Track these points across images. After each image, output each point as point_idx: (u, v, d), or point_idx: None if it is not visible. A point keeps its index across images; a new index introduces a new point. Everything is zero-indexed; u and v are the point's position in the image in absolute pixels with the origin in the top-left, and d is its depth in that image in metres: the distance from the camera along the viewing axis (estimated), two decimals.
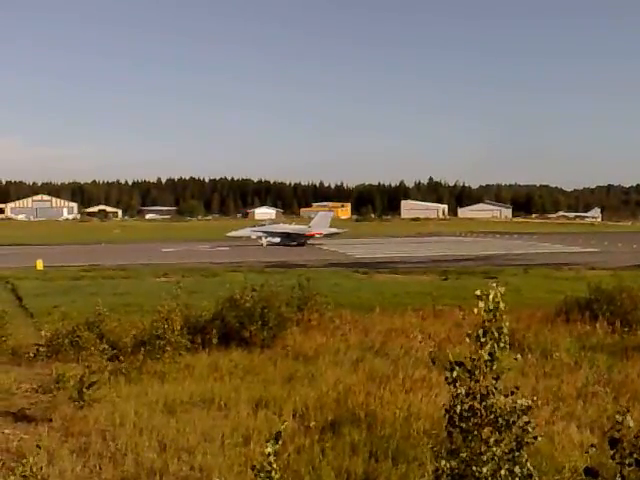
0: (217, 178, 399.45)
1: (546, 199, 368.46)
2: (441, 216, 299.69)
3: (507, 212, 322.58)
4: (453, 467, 7.73)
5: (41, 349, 23.26)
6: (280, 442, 7.10)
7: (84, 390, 17.02)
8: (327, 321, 27.92)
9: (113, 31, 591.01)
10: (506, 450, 7.61)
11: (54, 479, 12.54)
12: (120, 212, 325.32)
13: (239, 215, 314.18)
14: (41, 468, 10.89)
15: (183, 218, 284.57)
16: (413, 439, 14.08)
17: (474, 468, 7.55)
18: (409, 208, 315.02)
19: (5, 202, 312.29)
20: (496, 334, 7.76)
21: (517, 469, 7.50)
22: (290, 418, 15.87)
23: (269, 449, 7.04)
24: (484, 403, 7.75)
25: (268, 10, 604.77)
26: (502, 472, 7.48)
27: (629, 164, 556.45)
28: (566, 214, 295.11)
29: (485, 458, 7.59)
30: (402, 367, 20.47)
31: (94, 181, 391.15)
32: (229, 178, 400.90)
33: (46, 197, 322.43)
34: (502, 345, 7.75)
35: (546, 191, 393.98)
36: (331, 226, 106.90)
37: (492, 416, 7.71)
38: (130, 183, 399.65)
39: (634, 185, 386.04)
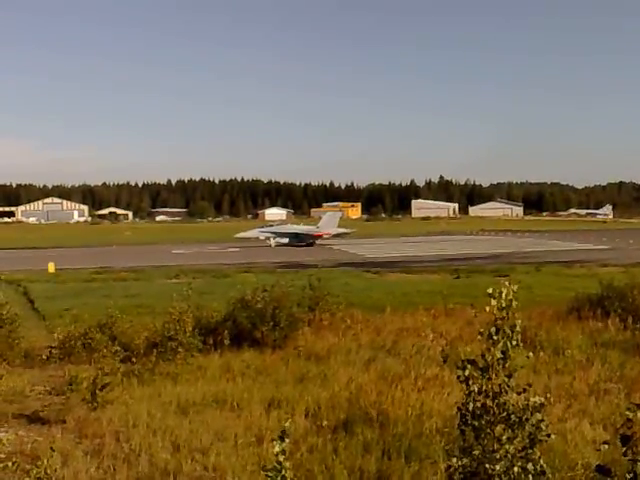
0: (227, 179, 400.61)
1: (557, 197, 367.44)
2: (452, 215, 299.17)
3: (518, 210, 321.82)
4: (465, 465, 7.75)
5: (54, 351, 23.35)
6: (287, 440, 7.11)
7: (97, 392, 17.09)
8: (338, 321, 27.92)
9: (124, 33, 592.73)
10: (519, 448, 7.62)
11: None
12: (130, 214, 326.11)
13: (249, 216, 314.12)
14: (55, 470, 10.94)
15: (193, 220, 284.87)
16: (425, 437, 14.09)
17: (487, 466, 7.57)
18: (420, 207, 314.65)
19: (16, 205, 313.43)
20: (509, 332, 7.77)
21: (530, 466, 7.51)
22: (302, 418, 15.95)
23: (277, 448, 7.05)
24: (497, 401, 7.76)
25: (273, 11, 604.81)
26: (515, 469, 7.49)
27: None
28: (577, 211, 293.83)
29: (498, 456, 7.60)
30: (414, 366, 20.47)
31: (104, 183, 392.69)
32: (239, 179, 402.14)
33: (57, 200, 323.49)
34: (514, 343, 7.76)
35: (557, 189, 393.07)
36: (340, 226, 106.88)
37: (505, 414, 7.72)
38: (140, 185, 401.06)
39: None
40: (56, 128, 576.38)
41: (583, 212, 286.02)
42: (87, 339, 23.24)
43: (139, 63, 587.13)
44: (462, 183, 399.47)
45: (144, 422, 15.87)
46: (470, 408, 7.89)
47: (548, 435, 7.71)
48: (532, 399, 7.74)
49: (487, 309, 7.89)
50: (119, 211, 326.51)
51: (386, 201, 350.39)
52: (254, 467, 12.69)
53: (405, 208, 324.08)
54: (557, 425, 13.73)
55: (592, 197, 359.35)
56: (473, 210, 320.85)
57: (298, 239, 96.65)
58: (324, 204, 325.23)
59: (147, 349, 22.38)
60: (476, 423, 7.82)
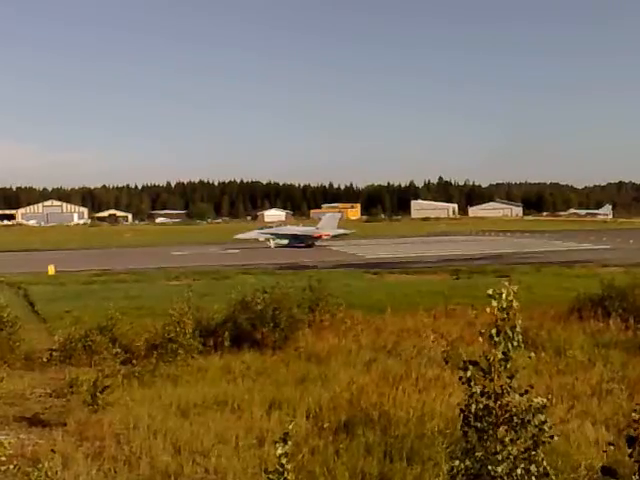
0: (226, 181, 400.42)
1: (557, 197, 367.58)
2: (451, 215, 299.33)
3: (518, 210, 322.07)
4: (468, 467, 7.70)
5: (54, 354, 23.33)
6: (289, 443, 7.08)
7: (98, 394, 17.07)
8: (339, 322, 27.88)
9: (123, 36, 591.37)
10: (522, 449, 7.58)
11: None
12: (130, 216, 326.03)
13: (249, 218, 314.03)
14: (56, 472, 10.93)
15: (193, 221, 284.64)
16: (427, 439, 14.02)
17: (489, 467, 7.52)
18: (419, 208, 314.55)
19: (16, 208, 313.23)
20: (510, 333, 7.72)
21: (533, 468, 7.46)
22: (304, 419, 15.90)
23: (279, 450, 7.02)
24: (499, 402, 7.71)
25: (273, 13, 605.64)
26: (518, 471, 7.45)
27: None
28: (577, 212, 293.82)
29: (500, 457, 7.55)
30: (415, 367, 20.45)
31: (104, 186, 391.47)
32: (238, 181, 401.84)
33: (56, 202, 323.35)
34: (516, 344, 7.72)
35: (557, 189, 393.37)
36: (339, 227, 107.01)
37: (507, 415, 7.67)
38: (140, 187, 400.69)
39: None
40: (56, 131, 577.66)
41: (583, 212, 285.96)
42: (87, 341, 23.23)
43: (138, 65, 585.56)
44: (461, 184, 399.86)
45: (145, 424, 15.83)
46: (472, 409, 7.85)
47: (551, 437, 7.66)
48: (535, 400, 7.69)
49: (488, 310, 7.85)
50: (119, 213, 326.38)
51: (385, 202, 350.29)
52: (255, 469, 12.67)
53: (404, 209, 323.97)
54: (559, 426, 13.65)
55: (592, 197, 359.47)
56: (473, 211, 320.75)
57: (298, 240, 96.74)
58: (323, 205, 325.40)
59: (147, 351, 22.38)
60: (479, 425, 7.78)
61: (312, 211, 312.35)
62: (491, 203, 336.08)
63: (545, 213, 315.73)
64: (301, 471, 11.80)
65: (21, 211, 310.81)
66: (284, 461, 7.01)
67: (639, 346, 23.17)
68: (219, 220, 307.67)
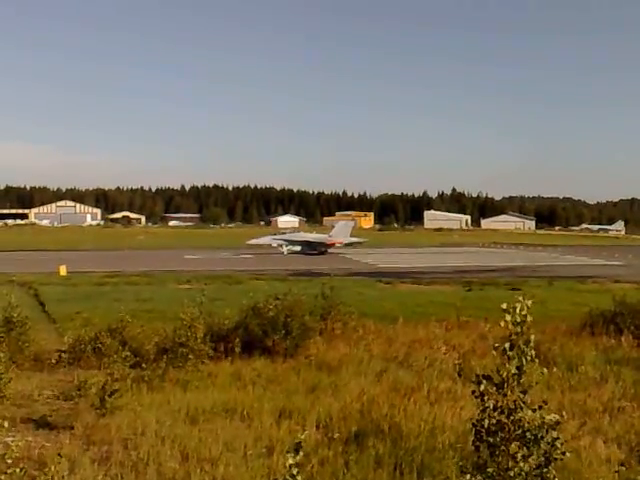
0: (240, 186, 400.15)
1: (570, 212, 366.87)
2: (464, 227, 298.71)
3: (530, 224, 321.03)
4: None
5: (63, 355, 23.29)
6: (301, 453, 6.99)
7: (106, 398, 16.99)
8: (350, 331, 27.79)
9: (140, 39, 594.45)
10: (534, 466, 7.49)
11: None
12: (143, 218, 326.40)
13: (262, 223, 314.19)
14: (63, 477, 10.85)
15: (206, 225, 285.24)
16: (438, 452, 13.89)
17: None
18: (432, 218, 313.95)
19: (29, 207, 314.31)
20: (523, 347, 7.64)
21: None
22: (313, 429, 15.78)
23: (290, 460, 6.94)
24: (512, 417, 7.63)
25: (290, 18, 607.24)
26: None
27: None
28: (590, 227, 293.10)
29: (512, 474, 7.48)
30: (426, 379, 20.33)
31: (118, 187, 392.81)
32: (252, 186, 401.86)
33: (70, 203, 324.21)
34: (529, 358, 7.64)
35: (569, 204, 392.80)
36: (352, 235, 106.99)
37: (520, 431, 7.60)
38: (154, 190, 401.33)
39: None
40: (72, 133, 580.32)
41: (595, 227, 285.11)
42: (97, 343, 23.18)
43: (154, 69, 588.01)
44: (474, 195, 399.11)
45: (153, 430, 15.72)
46: (485, 424, 7.77)
47: (564, 453, 7.58)
48: (548, 417, 7.61)
49: (502, 324, 7.77)
50: (132, 215, 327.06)
51: (399, 211, 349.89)
52: (264, 479, 12.56)
53: (418, 219, 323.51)
54: (571, 443, 13.53)
55: (604, 213, 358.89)
56: (485, 223, 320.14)
57: (310, 247, 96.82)
58: (337, 213, 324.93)
59: (157, 355, 22.27)
60: (491, 440, 7.70)
61: (325, 218, 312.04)
62: (504, 216, 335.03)
63: (557, 227, 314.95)
64: None
65: (34, 211, 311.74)
66: (295, 472, 6.92)
67: None
68: (232, 225, 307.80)
